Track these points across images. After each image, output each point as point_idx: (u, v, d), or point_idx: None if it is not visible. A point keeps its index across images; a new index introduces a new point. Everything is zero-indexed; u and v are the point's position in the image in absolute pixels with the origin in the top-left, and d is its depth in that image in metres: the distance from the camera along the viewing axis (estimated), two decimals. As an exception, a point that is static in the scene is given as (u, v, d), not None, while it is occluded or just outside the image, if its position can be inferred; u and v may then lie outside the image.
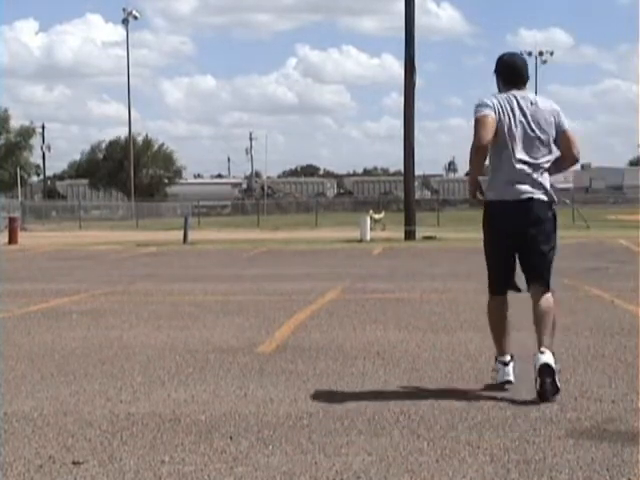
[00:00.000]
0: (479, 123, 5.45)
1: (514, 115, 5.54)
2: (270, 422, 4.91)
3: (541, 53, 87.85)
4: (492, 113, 5.49)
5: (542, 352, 5.31)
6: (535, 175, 5.55)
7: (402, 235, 29.91)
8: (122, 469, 4.12)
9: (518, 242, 5.62)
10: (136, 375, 6.30)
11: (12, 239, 30.40)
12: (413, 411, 5.10)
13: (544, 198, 5.58)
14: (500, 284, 5.71)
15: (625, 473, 3.96)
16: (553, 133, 5.60)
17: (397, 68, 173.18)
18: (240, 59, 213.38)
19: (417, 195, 44.39)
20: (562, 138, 5.63)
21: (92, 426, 4.88)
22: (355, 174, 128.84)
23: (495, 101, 5.55)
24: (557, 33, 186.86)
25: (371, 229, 31.17)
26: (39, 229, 46.75)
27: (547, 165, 5.61)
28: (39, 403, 5.45)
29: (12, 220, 31.82)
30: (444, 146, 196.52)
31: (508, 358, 5.69)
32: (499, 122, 5.50)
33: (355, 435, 4.62)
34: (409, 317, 9.24)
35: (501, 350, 5.72)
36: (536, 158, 5.55)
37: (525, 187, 5.52)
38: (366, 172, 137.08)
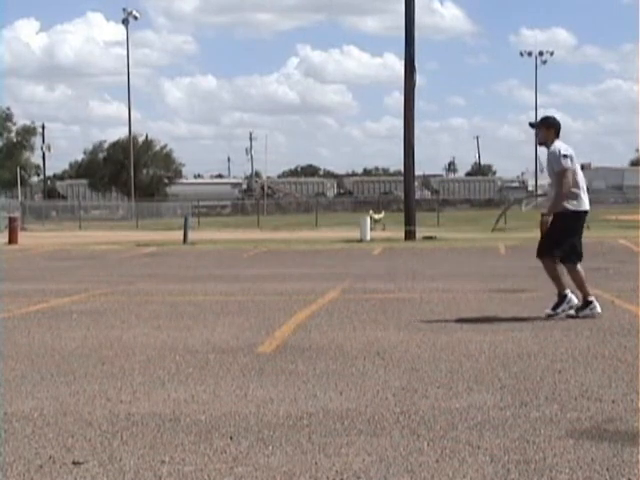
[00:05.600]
0: (569, 172, 8.90)
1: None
2: (270, 422, 4.91)
3: (541, 53, 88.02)
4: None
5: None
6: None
7: (402, 235, 29.91)
8: (122, 469, 4.12)
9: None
10: (136, 375, 6.30)
11: (12, 239, 30.40)
12: (413, 411, 5.10)
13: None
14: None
15: (625, 473, 3.96)
16: None
17: (399, 67, 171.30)
18: (241, 59, 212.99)
19: (417, 195, 44.37)
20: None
21: (92, 426, 4.88)
22: (355, 174, 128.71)
23: (570, 151, 9.00)
24: (559, 33, 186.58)
25: (371, 229, 31.19)
26: (39, 229, 46.77)
27: None
28: (39, 403, 5.45)
29: (12, 220, 31.81)
30: (444, 146, 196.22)
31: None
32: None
33: (355, 435, 4.62)
34: (409, 317, 9.24)
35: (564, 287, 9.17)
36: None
37: (587, 201, 9.20)
38: (366, 172, 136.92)
